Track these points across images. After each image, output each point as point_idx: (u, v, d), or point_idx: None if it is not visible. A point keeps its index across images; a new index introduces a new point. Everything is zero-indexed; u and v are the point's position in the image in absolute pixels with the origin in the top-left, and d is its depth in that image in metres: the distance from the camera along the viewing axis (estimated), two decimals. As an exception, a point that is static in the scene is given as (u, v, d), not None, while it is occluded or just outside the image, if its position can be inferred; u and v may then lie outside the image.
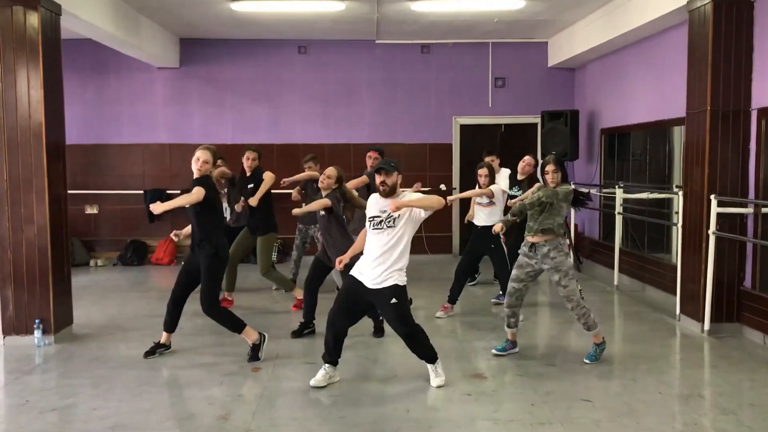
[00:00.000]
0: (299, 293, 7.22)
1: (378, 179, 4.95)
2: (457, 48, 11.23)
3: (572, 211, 10.36)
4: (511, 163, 8.47)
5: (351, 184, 7.02)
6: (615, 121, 9.83)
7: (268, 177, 7.37)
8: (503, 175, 8.01)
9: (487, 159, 7.96)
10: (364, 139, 11.15)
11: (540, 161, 7.41)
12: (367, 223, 5.00)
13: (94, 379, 5.28)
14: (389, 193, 4.94)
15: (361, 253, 5.10)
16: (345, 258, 5.32)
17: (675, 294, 7.17)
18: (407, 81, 11.27)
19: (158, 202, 5.36)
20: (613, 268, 8.83)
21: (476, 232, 7.22)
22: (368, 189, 7.25)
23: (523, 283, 5.72)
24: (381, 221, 4.91)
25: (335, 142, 11.09)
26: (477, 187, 7.16)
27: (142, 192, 10.84)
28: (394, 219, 4.87)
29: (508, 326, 5.82)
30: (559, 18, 9.66)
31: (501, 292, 7.43)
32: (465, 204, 7.76)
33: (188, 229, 5.83)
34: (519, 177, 7.89)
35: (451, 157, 11.34)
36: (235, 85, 11.11)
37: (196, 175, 5.57)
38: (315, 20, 9.65)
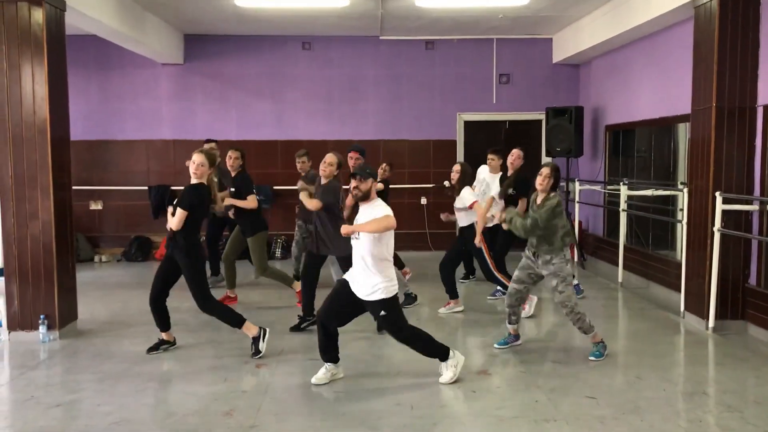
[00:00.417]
0: (298, 286, 7.20)
1: (352, 184, 4.94)
2: (462, 44, 11.21)
3: (576, 208, 10.37)
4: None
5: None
6: (620, 118, 9.80)
7: (251, 201, 7.11)
8: (495, 180, 8.00)
9: (491, 156, 7.96)
10: (369, 136, 11.15)
11: (540, 159, 7.40)
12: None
13: (99, 375, 5.29)
14: (362, 198, 4.95)
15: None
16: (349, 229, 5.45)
17: (679, 291, 7.16)
18: (411, 77, 11.25)
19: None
20: (617, 265, 8.82)
21: (460, 232, 7.25)
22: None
23: (524, 285, 5.75)
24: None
25: (339, 139, 11.07)
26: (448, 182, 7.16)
27: (146, 188, 10.86)
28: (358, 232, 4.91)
29: (509, 323, 5.88)
30: (563, 14, 9.63)
31: (499, 288, 7.46)
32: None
33: None
34: (509, 172, 7.81)
35: (455, 153, 11.31)
36: (239, 81, 11.11)
37: (192, 180, 5.56)
38: (319, 16, 9.64)
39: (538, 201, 5.63)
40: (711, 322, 6.43)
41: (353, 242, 4.94)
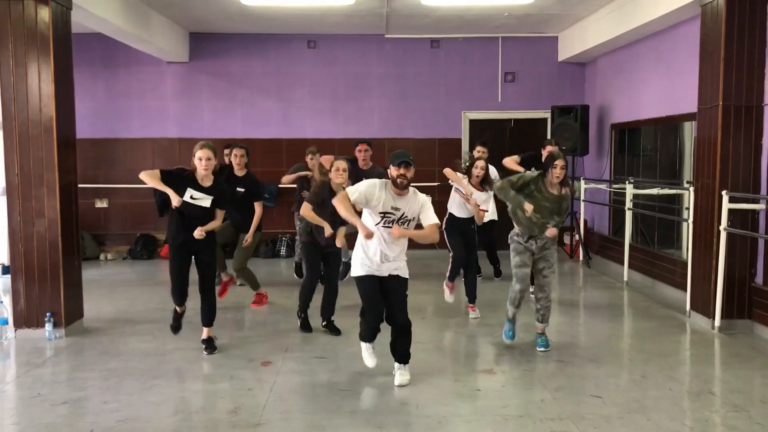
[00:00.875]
0: (261, 291, 7.39)
1: (399, 171, 4.76)
2: (467, 42, 11.19)
3: (582, 206, 10.35)
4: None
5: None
6: (625, 116, 9.78)
7: (259, 208, 7.00)
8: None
9: (478, 148, 8.02)
10: (374, 134, 11.13)
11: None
12: (374, 216, 4.86)
13: (105, 373, 5.30)
14: (405, 186, 4.83)
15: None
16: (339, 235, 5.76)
17: (685, 290, 7.14)
18: (417, 75, 11.25)
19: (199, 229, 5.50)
20: (622, 263, 8.80)
21: (461, 225, 7.02)
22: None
23: (528, 267, 5.77)
24: (393, 221, 4.84)
25: (344, 137, 11.07)
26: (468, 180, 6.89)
27: (151, 186, 10.86)
28: (409, 221, 4.86)
29: (517, 306, 5.81)
30: (569, 12, 9.61)
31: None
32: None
33: None
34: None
35: (461, 151, 11.29)
36: (244, 79, 11.12)
37: (201, 174, 5.55)
38: (325, 15, 9.64)
39: (554, 192, 5.64)
40: (717, 322, 6.41)
41: (384, 229, 4.84)
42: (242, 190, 7.00)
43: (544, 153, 7.27)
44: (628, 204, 8.63)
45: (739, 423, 4.31)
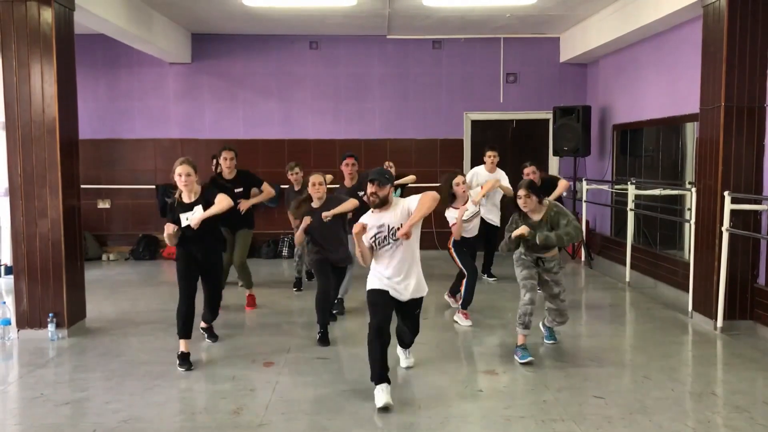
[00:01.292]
0: (253, 291, 7.39)
1: (369, 189, 4.67)
2: (469, 43, 11.20)
3: (584, 207, 10.35)
4: (522, 159, 8.51)
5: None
6: (627, 117, 9.78)
7: (268, 191, 7.11)
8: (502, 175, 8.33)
9: (489, 153, 8.22)
10: (375, 135, 11.17)
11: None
12: (372, 245, 4.75)
13: (107, 373, 5.31)
14: (379, 205, 4.70)
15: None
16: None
17: (687, 291, 7.14)
18: (418, 76, 11.25)
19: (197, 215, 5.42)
20: (624, 264, 8.80)
21: (467, 242, 6.93)
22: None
23: (536, 279, 5.64)
24: (385, 236, 4.70)
25: (346, 138, 11.10)
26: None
27: (153, 187, 10.88)
28: (397, 230, 4.69)
29: (526, 327, 5.55)
30: (571, 13, 9.61)
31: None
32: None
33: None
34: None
35: (462, 152, 11.31)
36: (246, 80, 11.13)
37: (183, 192, 5.51)
38: (326, 15, 9.64)
39: (535, 218, 5.48)
40: (719, 322, 6.41)
41: (387, 251, 4.69)
42: (240, 189, 7.01)
43: (524, 175, 7.68)
44: (630, 205, 8.63)
45: (742, 424, 4.31)
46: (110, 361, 5.62)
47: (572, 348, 6.00)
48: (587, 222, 10.55)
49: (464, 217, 6.60)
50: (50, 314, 6.21)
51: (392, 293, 4.79)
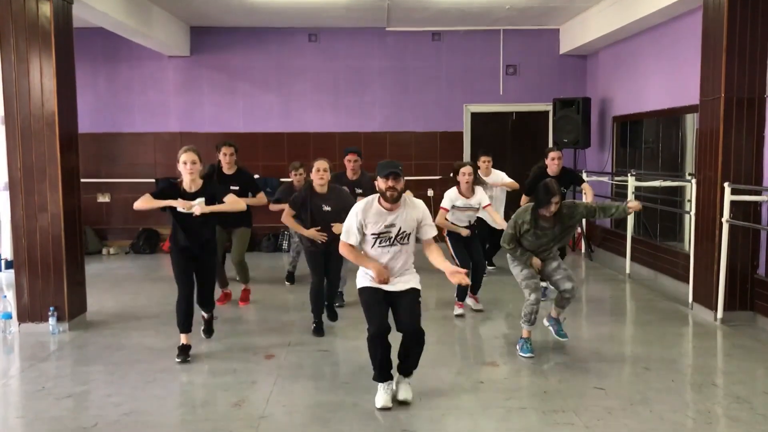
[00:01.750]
0: (249, 287, 7.38)
1: (387, 183, 4.35)
2: (469, 35, 11.17)
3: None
4: (523, 150, 8.51)
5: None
6: (627, 109, 9.77)
7: (260, 200, 6.99)
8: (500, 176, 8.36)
9: (483, 158, 8.23)
10: (375, 127, 11.16)
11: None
12: (370, 240, 4.48)
13: (109, 366, 5.32)
14: (396, 200, 4.42)
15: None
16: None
17: (687, 282, 7.15)
18: (418, 69, 11.23)
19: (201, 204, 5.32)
20: (625, 256, 8.80)
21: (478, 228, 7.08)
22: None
23: (537, 277, 5.54)
24: (391, 238, 4.45)
25: (346, 131, 11.09)
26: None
27: (153, 180, 10.88)
28: (408, 235, 4.48)
29: (532, 323, 5.53)
30: (571, 5, 9.59)
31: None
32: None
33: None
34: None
35: (462, 145, 11.30)
36: (245, 73, 11.11)
37: (189, 180, 5.38)
38: (326, 8, 9.62)
39: (545, 223, 5.31)
40: (719, 314, 6.42)
41: (383, 250, 4.45)
42: (236, 188, 6.83)
43: (547, 161, 7.27)
44: (630, 196, 8.62)
45: (742, 414, 4.32)
46: (111, 355, 5.63)
47: (573, 339, 6.00)
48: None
49: (459, 205, 6.70)
50: (51, 308, 6.22)
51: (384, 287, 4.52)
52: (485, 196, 6.89)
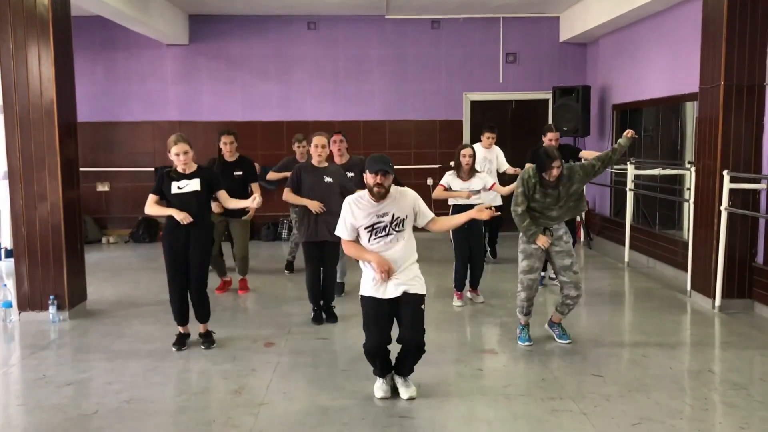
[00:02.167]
0: (246, 277, 7.39)
1: (375, 180, 4.20)
2: (468, 23, 11.13)
3: (583, 187, 10.33)
4: (522, 138, 8.49)
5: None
6: (627, 97, 9.75)
7: (253, 201, 6.87)
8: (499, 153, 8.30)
9: (487, 134, 8.13)
10: (374, 116, 11.14)
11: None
12: (365, 234, 4.34)
13: (109, 354, 5.35)
14: (383, 196, 4.27)
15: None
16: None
17: (686, 270, 7.16)
18: (417, 57, 11.20)
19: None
20: (623, 244, 8.82)
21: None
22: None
23: (539, 272, 5.43)
24: (386, 226, 4.29)
25: (345, 119, 11.07)
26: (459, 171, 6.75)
27: (152, 169, 10.88)
28: (403, 221, 4.32)
29: (527, 314, 5.52)
30: (571, -8, 9.56)
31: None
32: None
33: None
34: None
35: (462, 133, 11.28)
36: (244, 61, 11.08)
37: (179, 168, 5.32)
38: (324, -4, 9.59)
39: (549, 187, 5.29)
40: (717, 301, 6.44)
41: (382, 242, 4.30)
42: (240, 173, 6.94)
43: (545, 140, 7.27)
44: (630, 185, 8.63)
45: (739, 401, 4.34)
46: (111, 343, 5.65)
47: (571, 327, 6.01)
48: (586, 202, 10.54)
49: (455, 188, 6.72)
50: (51, 296, 6.23)
51: (381, 296, 4.31)
52: (488, 177, 6.92)
